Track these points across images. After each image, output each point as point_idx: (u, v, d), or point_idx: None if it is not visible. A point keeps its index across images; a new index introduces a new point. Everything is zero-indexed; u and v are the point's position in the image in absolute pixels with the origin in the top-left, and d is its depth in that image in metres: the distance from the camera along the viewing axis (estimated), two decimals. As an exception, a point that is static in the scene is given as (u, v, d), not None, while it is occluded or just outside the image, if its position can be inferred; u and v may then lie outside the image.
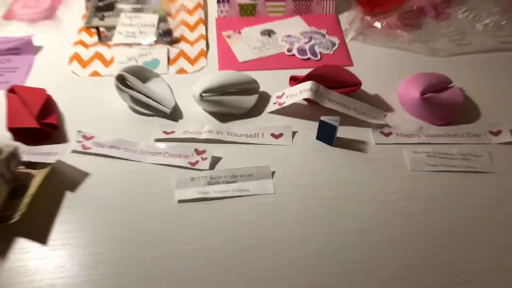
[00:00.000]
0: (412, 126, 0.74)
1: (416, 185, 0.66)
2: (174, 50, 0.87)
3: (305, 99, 0.76)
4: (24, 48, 0.85)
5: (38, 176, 0.64)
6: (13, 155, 0.63)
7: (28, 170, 0.66)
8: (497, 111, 0.77)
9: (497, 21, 0.90)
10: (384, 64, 0.86)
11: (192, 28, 0.92)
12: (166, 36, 0.88)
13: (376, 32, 0.90)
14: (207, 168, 0.67)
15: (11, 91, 0.74)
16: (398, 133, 0.73)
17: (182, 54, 0.86)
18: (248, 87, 0.76)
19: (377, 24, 0.90)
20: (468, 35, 0.90)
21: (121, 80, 0.75)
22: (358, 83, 0.76)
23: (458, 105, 0.75)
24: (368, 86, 0.80)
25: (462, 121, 0.75)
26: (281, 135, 0.72)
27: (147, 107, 0.75)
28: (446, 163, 0.68)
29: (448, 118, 0.74)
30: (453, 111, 0.75)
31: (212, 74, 0.77)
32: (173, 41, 0.89)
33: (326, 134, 0.70)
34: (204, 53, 0.87)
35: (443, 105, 0.74)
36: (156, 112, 0.75)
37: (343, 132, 0.72)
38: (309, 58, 0.85)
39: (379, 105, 0.77)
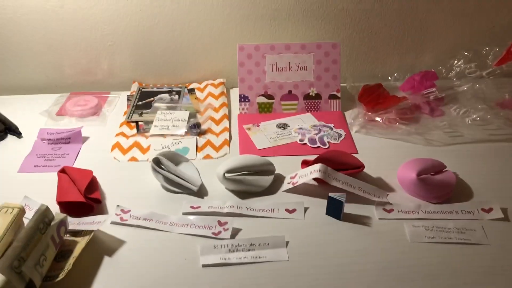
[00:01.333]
0: (412, 204, 0.83)
1: (415, 255, 0.73)
2: (201, 140, 1.00)
3: (315, 180, 0.87)
4: (74, 138, 1.00)
5: (81, 242, 0.74)
6: (63, 223, 0.74)
7: (73, 238, 0.76)
8: (488, 192, 0.86)
9: (483, 116, 1.02)
10: (385, 152, 0.97)
11: (217, 122, 1.07)
12: (195, 128, 1.02)
13: (377, 126, 1.03)
14: (228, 237, 0.76)
15: (62, 171, 0.87)
16: (399, 210, 0.82)
17: (208, 143, 1.00)
18: (265, 169, 0.88)
19: (378, 119, 1.03)
20: (459, 128, 1.02)
21: (156, 162, 0.87)
22: (361, 166, 0.87)
23: (451, 185, 0.84)
24: (371, 170, 0.90)
25: (457, 200, 0.84)
26: (294, 210, 0.82)
27: (177, 186, 0.86)
28: (443, 236, 0.76)
29: (443, 197, 0.83)
30: (447, 191, 0.84)
31: (234, 157, 0.89)
32: (201, 133, 1.03)
33: (334, 209, 0.80)
34: (227, 142, 1.00)
35: (438, 186, 0.83)
36: (185, 190, 0.86)
37: (349, 208, 0.81)
38: (318, 147, 0.97)
39: (381, 186, 0.87)
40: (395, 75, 1.19)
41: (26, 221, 0.78)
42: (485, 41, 1.17)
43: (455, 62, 1.16)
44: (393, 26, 1.18)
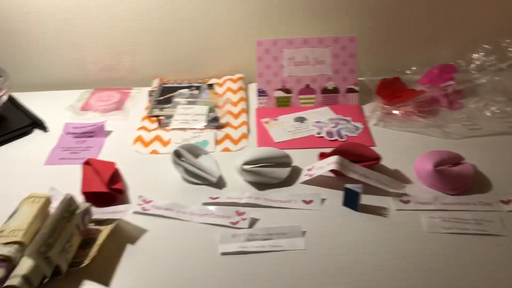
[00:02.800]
0: (429, 195, 0.83)
1: (432, 245, 0.74)
2: (220, 134, 1.02)
3: (332, 172, 0.88)
4: (97, 132, 1.03)
5: (105, 231, 0.76)
6: (87, 211, 0.76)
7: (97, 227, 0.79)
8: (507, 184, 0.85)
9: (502, 108, 1.02)
10: (403, 144, 0.97)
11: (236, 116, 1.08)
12: (214, 122, 1.04)
13: (395, 119, 1.03)
14: (246, 227, 0.78)
15: (87, 163, 0.90)
16: (416, 201, 0.82)
17: (227, 136, 1.02)
18: (282, 161, 0.89)
19: (396, 112, 1.03)
20: (478, 120, 1.02)
21: (177, 154, 0.90)
22: (378, 158, 0.87)
23: (469, 177, 0.84)
24: (388, 162, 0.91)
25: (475, 192, 0.84)
26: (311, 201, 0.83)
27: (197, 177, 0.88)
28: (460, 226, 0.76)
29: (460, 189, 0.83)
30: (465, 183, 0.84)
31: (252, 149, 0.91)
32: (220, 126, 1.05)
33: (351, 200, 0.81)
34: (245, 136, 1.02)
35: (455, 177, 0.83)
36: (204, 182, 0.88)
37: (366, 200, 0.82)
38: (336, 140, 0.98)
39: (398, 178, 0.88)
40: (413, 68, 1.19)
41: (52, 211, 0.82)
42: (506, 34, 1.16)
43: (475, 55, 1.15)
44: (411, 19, 1.17)
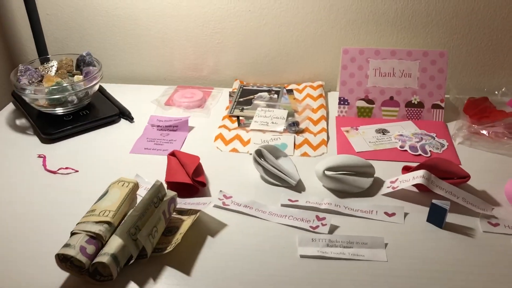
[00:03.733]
0: (520, 220, 0.79)
1: (524, 272, 0.70)
2: (299, 138, 1.03)
3: (416, 187, 0.85)
4: (181, 126, 1.06)
5: (188, 220, 0.78)
6: (173, 200, 0.79)
7: (179, 216, 0.81)
8: None
9: None
10: (491, 166, 0.93)
11: (315, 122, 1.08)
12: (294, 126, 1.05)
13: (483, 139, 0.99)
14: (326, 232, 0.77)
15: (172, 154, 0.93)
16: (505, 224, 0.78)
17: (306, 141, 1.02)
18: (365, 171, 0.88)
19: (484, 132, 0.99)
20: None
21: (258, 154, 0.91)
22: (467, 176, 0.84)
23: None
24: (475, 183, 0.87)
25: None
26: (394, 214, 0.81)
27: (276, 178, 0.89)
28: (556, 256, 0.72)
29: (556, 217, 0.79)
30: (562, 211, 0.79)
31: (334, 155, 0.90)
32: (299, 131, 1.05)
33: (437, 217, 0.78)
34: (324, 142, 1.01)
35: (551, 204, 0.79)
36: (283, 183, 0.88)
37: (451, 218, 0.79)
38: (420, 155, 0.96)
39: (486, 199, 0.84)
40: (503, 89, 1.14)
41: (138, 198, 0.85)
42: None
43: None
44: (504, 39, 1.13)
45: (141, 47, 1.25)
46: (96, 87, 1.11)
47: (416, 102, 1.08)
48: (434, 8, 1.10)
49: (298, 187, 0.89)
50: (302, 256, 0.73)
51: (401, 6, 1.11)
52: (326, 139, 1.03)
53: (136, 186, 0.83)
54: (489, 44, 1.14)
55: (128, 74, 1.29)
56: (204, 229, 0.79)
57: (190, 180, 0.85)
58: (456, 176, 0.85)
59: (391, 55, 1.07)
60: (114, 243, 0.70)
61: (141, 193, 0.85)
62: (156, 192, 0.76)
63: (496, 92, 1.15)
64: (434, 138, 1.00)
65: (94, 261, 0.68)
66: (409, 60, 1.06)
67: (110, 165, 0.96)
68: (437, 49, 1.07)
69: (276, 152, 0.95)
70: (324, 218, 0.80)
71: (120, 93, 1.21)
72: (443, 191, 0.81)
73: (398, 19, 1.13)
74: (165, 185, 0.86)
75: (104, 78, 1.17)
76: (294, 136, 1.03)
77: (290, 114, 1.10)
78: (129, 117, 1.11)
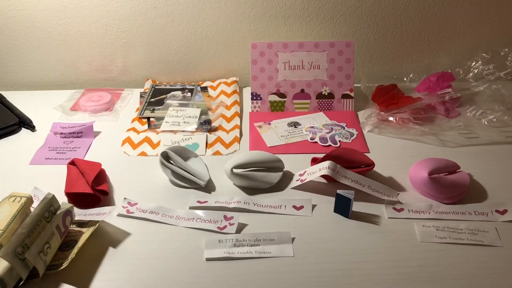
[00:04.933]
0: (423, 204, 0.81)
1: (425, 255, 0.71)
2: (212, 137, 1.00)
3: (324, 177, 0.85)
4: (86, 132, 1.00)
5: (86, 232, 0.74)
6: (69, 212, 0.74)
7: (79, 229, 0.76)
8: (503, 193, 0.83)
9: (500, 118, 0.99)
10: (398, 151, 0.95)
11: (228, 120, 1.06)
12: (206, 124, 1.02)
13: (390, 126, 1.01)
14: (234, 232, 0.75)
15: (72, 163, 0.87)
16: (409, 209, 0.79)
17: (218, 139, 0.99)
18: (274, 166, 0.87)
19: (391, 119, 1.01)
20: (475, 129, 1.00)
21: (165, 156, 0.87)
22: (372, 164, 0.85)
23: (464, 186, 0.82)
24: (382, 169, 0.88)
25: (470, 201, 0.81)
26: (302, 207, 0.80)
27: (185, 181, 0.86)
28: (455, 236, 0.73)
29: (456, 198, 0.81)
30: (460, 192, 0.81)
31: (242, 153, 0.89)
32: (212, 130, 1.02)
33: (342, 207, 0.78)
34: (237, 139, 0.99)
35: (450, 186, 0.81)
36: (193, 185, 0.86)
37: (358, 206, 0.80)
38: (329, 145, 0.96)
39: (392, 185, 0.85)
40: (410, 76, 1.18)
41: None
42: (504, 43, 1.14)
43: (473, 63, 1.13)
44: (409, 27, 1.16)
45: (41, 50, 1.17)
46: (-8, 96, 1.03)
47: (326, 93, 1.08)
48: (340, -1, 1.11)
49: (208, 188, 0.86)
50: (208, 259, 0.71)
51: (307, -2, 1.11)
52: (239, 136, 1.01)
53: (29, 201, 0.76)
54: (394, 32, 1.16)
55: (30, 79, 1.21)
56: (106, 240, 0.75)
57: (90, 189, 0.81)
58: (362, 165, 0.86)
59: (299, 47, 1.06)
60: (0, 266, 0.64)
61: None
62: (47, 205, 0.71)
63: (405, 79, 1.18)
64: (344, 128, 1.01)
65: (-22, 286, 0.62)
66: (317, 52, 1.06)
67: (7, 179, 0.89)
68: (344, 40, 1.08)
69: (185, 153, 0.92)
70: (231, 218, 0.77)
71: (22, 100, 1.13)
72: (349, 180, 0.81)
73: (305, 11, 1.12)
74: (65, 198, 0.81)
75: (3, 86, 1.09)
76: (207, 135, 1.00)
77: (204, 112, 1.07)
78: (30, 126, 1.04)
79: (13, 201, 0.75)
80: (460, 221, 0.77)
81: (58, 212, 0.72)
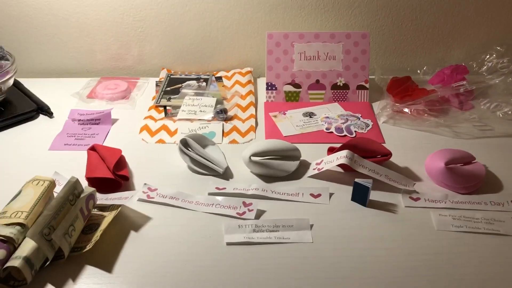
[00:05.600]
0: (439, 193, 0.82)
1: (441, 243, 0.72)
2: (228, 126, 1.01)
3: (341, 167, 0.86)
4: (103, 119, 1.02)
5: (109, 216, 0.75)
6: (92, 196, 0.75)
7: (100, 213, 0.78)
8: (518, 184, 0.84)
9: (514, 110, 1.01)
10: (413, 142, 0.96)
11: (244, 109, 1.07)
12: (222, 113, 1.03)
13: (405, 117, 1.02)
14: (253, 218, 0.76)
15: (92, 149, 0.89)
16: (426, 198, 0.80)
17: (234, 128, 1.00)
18: (291, 154, 0.88)
19: (406, 110, 1.02)
20: (489, 121, 1.01)
21: (184, 143, 0.88)
22: (389, 153, 0.86)
23: (480, 177, 0.83)
24: (398, 160, 0.89)
25: (486, 191, 0.82)
26: (319, 195, 0.81)
27: (203, 167, 0.87)
28: (471, 225, 0.75)
29: (471, 188, 0.82)
30: (476, 182, 0.82)
31: (260, 141, 0.90)
32: (228, 119, 1.03)
33: (360, 195, 0.79)
34: (253, 128, 1.01)
35: (467, 176, 0.82)
36: (211, 172, 0.87)
37: (374, 195, 0.81)
38: (345, 135, 0.97)
39: (408, 175, 0.86)
40: (424, 68, 1.18)
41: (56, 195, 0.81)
42: (518, 36, 1.15)
43: (487, 57, 1.14)
44: (423, 19, 1.16)
45: (58, 38, 1.18)
46: (10, 82, 1.04)
47: (341, 84, 1.09)
48: (356, -10, 1.12)
49: (226, 175, 0.87)
50: (228, 244, 0.72)
51: (323, -11, 1.12)
52: (254, 125, 1.02)
53: (52, 184, 0.78)
54: (409, 24, 1.17)
55: (47, 67, 1.22)
56: (127, 224, 0.76)
57: (111, 175, 0.82)
58: (379, 154, 0.87)
59: (315, 38, 1.07)
60: (27, 246, 0.66)
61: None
62: (72, 189, 0.72)
63: (418, 71, 1.19)
64: (359, 119, 1.02)
65: (6, 265, 0.64)
66: (332, 43, 1.07)
67: (28, 164, 0.90)
68: (359, 31, 1.09)
69: (203, 140, 0.93)
70: (250, 204, 0.79)
71: (39, 87, 1.14)
72: (366, 169, 0.82)
73: (321, 2, 1.13)
74: (86, 182, 0.83)
75: (20, 73, 1.10)
76: (223, 124, 1.02)
77: (219, 102, 1.08)
78: (48, 112, 1.05)
79: (37, 184, 0.77)
80: (476, 211, 0.78)
81: (82, 195, 0.73)
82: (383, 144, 0.94)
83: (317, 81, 1.09)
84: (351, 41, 1.07)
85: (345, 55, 1.08)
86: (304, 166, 0.89)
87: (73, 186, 0.72)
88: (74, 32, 1.17)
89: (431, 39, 1.19)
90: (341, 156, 0.83)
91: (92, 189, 0.75)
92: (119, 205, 0.76)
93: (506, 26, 1.17)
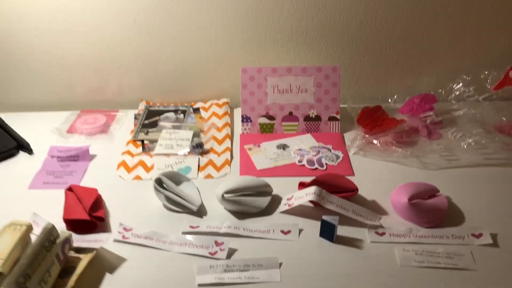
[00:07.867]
0: (403, 227, 0.85)
1: (404, 279, 0.75)
2: (203, 160, 1.04)
3: (311, 202, 0.90)
4: (82, 156, 1.04)
5: (84, 260, 0.78)
6: (67, 240, 0.78)
7: (77, 255, 0.80)
8: (479, 216, 0.87)
9: (478, 141, 1.04)
10: (381, 174, 1.00)
11: (220, 142, 1.10)
12: (198, 148, 1.06)
13: (375, 148, 1.06)
14: (224, 257, 0.79)
15: (69, 189, 0.91)
16: (391, 233, 0.84)
17: (210, 162, 1.03)
18: (263, 190, 0.91)
19: (375, 141, 1.06)
20: (456, 151, 1.05)
21: (158, 182, 0.91)
22: (355, 189, 0.89)
23: (443, 210, 0.86)
24: (366, 192, 0.93)
25: (448, 224, 0.86)
26: (289, 231, 0.84)
27: (178, 205, 0.90)
28: (432, 260, 0.78)
29: (434, 221, 0.85)
30: (439, 216, 0.86)
31: (232, 178, 0.93)
32: (204, 152, 1.06)
33: (327, 232, 0.82)
34: (228, 162, 1.04)
35: (429, 210, 0.86)
36: (185, 210, 0.90)
37: (342, 230, 0.84)
38: (316, 168, 1.00)
39: (375, 209, 0.90)
40: (395, 97, 1.22)
41: (33, 237, 0.83)
42: (485, 65, 1.19)
43: (455, 85, 1.18)
44: (393, 49, 1.21)
45: (37, 72, 1.21)
46: (-10, 119, 1.06)
47: (313, 116, 1.13)
48: (326, 24, 1.15)
49: (200, 212, 0.90)
50: (200, 285, 0.75)
51: (295, 24, 1.15)
52: (229, 159, 1.05)
53: (29, 229, 0.80)
54: (379, 55, 1.21)
55: (26, 101, 1.25)
56: (103, 266, 0.79)
57: (87, 216, 0.84)
58: (347, 190, 0.90)
59: (288, 72, 1.11)
60: (3, 294, 0.68)
61: (38, 233, 0.82)
62: (48, 235, 0.75)
63: (389, 100, 1.22)
64: (330, 151, 1.05)
65: (-18, 316, 0.66)
66: (304, 76, 1.11)
67: (7, 204, 0.93)
68: (331, 64, 1.13)
69: (178, 177, 0.96)
70: (222, 243, 0.82)
71: (19, 122, 1.17)
72: (334, 205, 0.86)
73: (293, 36, 1.17)
74: (63, 223, 0.85)
75: (1, 107, 1.12)
76: (199, 158, 1.05)
77: (196, 135, 1.11)
78: (28, 149, 1.08)
79: (14, 229, 0.79)
80: (438, 245, 0.81)
81: (58, 241, 0.76)
82: (352, 176, 0.98)
83: (290, 113, 1.13)
84: (322, 75, 1.11)
85: (316, 88, 1.11)
86: (276, 201, 0.92)
87: (49, 233, 0.75)
88: (53, 66, 1.20)
89: (401, 68, 1.24)
90: (310, 193, 0.86)
91: (68, 233, 0.78)
92: (95, 248, 0.79)
93: (472, 55, 1.22)
